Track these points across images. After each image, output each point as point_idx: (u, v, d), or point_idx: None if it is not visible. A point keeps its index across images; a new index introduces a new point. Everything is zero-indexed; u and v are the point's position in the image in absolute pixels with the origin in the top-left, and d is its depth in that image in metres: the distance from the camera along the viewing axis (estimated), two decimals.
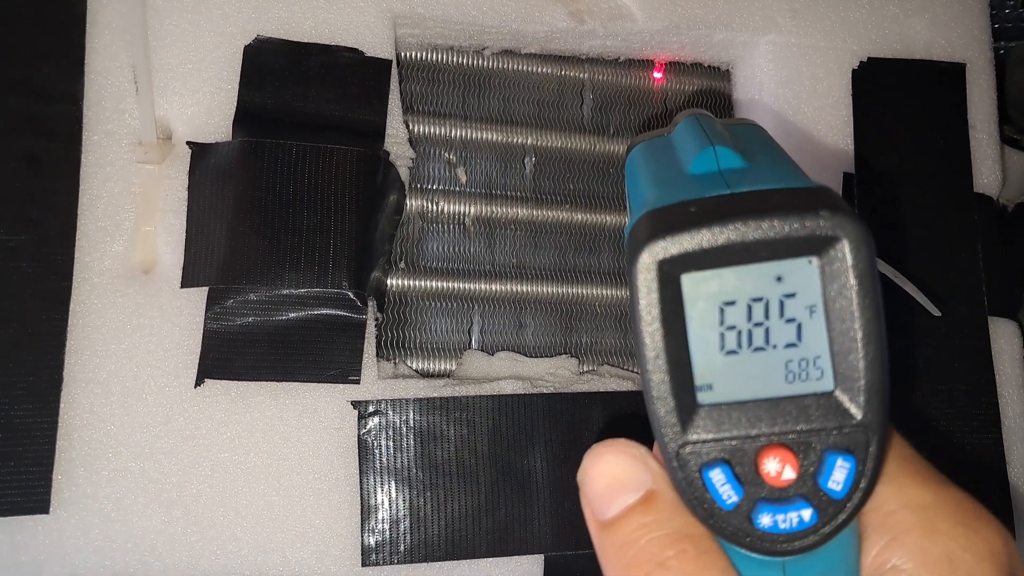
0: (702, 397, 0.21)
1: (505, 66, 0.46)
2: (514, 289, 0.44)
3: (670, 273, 0.21)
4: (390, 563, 0.37)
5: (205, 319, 0.37)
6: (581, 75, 0.47)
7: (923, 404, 0.44)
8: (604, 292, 0.45)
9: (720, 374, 0.21)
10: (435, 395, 0.39)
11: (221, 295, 0.37)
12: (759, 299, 0.21)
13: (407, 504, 0.37)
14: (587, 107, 0.47)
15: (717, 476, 0.21)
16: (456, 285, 0.43)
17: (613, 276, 0.46)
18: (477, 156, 0.45)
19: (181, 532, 0.35)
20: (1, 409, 0.34)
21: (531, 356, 0.43)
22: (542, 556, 0.38)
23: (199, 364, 0.36)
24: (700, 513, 0.21)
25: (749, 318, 0.21)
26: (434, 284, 0.43)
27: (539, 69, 0.46)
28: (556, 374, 0.42)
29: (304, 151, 0.38)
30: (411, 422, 0.38)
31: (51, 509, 0.34)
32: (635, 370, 0.45)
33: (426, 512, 0.37)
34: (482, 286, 0.43)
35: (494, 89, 0.45)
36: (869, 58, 0.47)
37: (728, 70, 0.49)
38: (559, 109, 0.47)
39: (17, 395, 0.34)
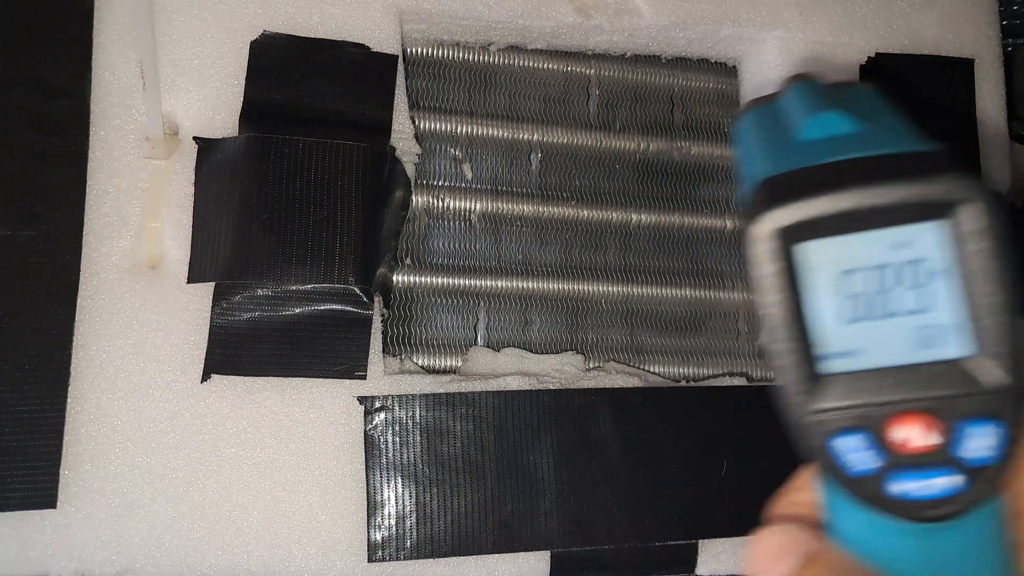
0: (828, 366, 0.21)
1: (511, 62, 0.46)
2: (520, 285, 0.44)
3: (789, 242, 0.20)
4: (396, 559, 0.37)
5: (211, 314, 0.37)
6: (587, 71, 0.47)
7: None
8: (610, 289, 0.45)
9: (846, 343, 0.21)
10: (441, 391, 0.39)
11: (227, 290, 0.37)
12: (881, 266, 0.21)
13: (413, 500, 0.37)
14: (593, 103, 0.47)
15: (847, 443, 0.20)
16: (462, 281, 0.43)
17: (619, 273, 0.46)
18: (483, 152, 0.45)
19: (188, 527, 0.35)
20: (8, 404, 0.34)
21: (537, 352, 0.43)
22: (548, 552, 0.38)
23: (205, 359, 0.36)
24: (833, 480, 0.21)
25: (872, 285, 0.21)
26: (440, 280, 0.42)
27: (545, 65, 0.46)
28: (562, 370, 0.42)
29: (310, 147, 0.38)
30: (417, 418, 0.38)
31: (58, 504, 0.34)
32: (640, 367, 0.45)
33: (432, 508, 0.37)
34: (488, 282, 0.43)
35: (500, 85, 0.45)
36: (877, 53, 0.47)
37: (735, 66, 0.49)
38: (565, 105, 0.46)
39: (24, 390, 0.35)
